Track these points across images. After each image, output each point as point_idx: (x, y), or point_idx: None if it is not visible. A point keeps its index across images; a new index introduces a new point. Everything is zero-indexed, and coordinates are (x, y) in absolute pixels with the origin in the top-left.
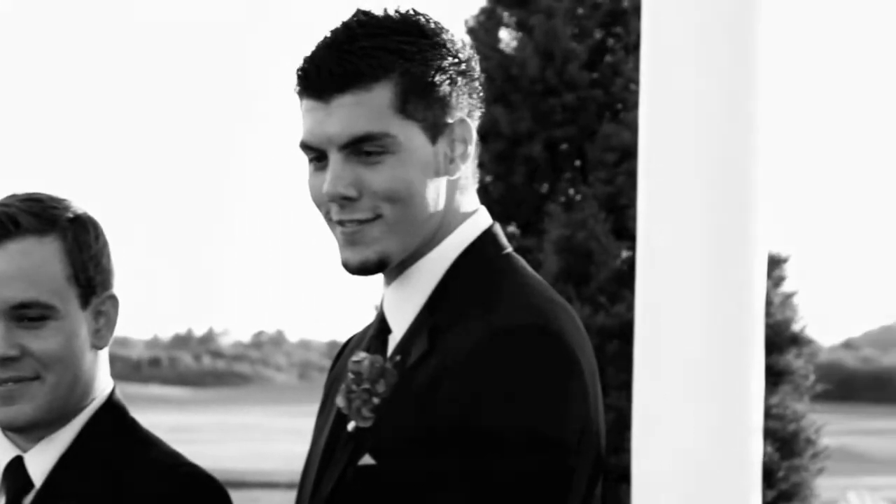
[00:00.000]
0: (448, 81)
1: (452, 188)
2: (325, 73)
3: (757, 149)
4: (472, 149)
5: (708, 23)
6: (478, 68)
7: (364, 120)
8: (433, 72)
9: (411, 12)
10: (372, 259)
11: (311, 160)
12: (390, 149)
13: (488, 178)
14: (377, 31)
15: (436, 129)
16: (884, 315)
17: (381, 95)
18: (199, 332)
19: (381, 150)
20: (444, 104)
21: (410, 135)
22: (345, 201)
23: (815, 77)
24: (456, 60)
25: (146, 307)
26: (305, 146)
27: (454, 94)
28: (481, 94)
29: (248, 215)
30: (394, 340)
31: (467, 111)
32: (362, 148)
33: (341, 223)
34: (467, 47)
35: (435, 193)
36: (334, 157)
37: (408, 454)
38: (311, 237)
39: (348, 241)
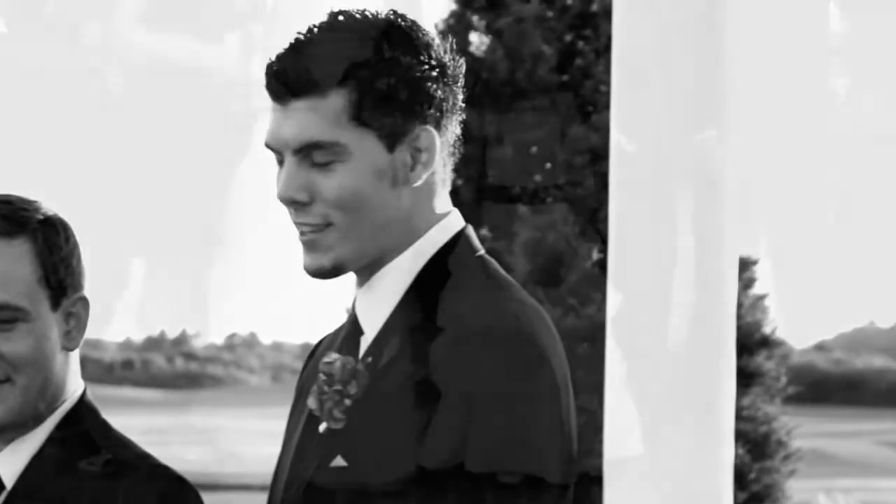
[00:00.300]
0: (412, 89)
1: (418, 193)
2: (282, 77)
3: (728, 150)
4: (437, 156)
5: (678, 24)
6: (458, 73)
7: (316, 127)
8: (395, 79)
9: (387, 14)
10: (326, 266)
11: (277, 161)
12: (340, 157)
13: (459, 181)
14: (340, 36)
15: (394, 138)
16: (857, 317)
17: (336, 102)
18: (171, 334)
19: (331, 158)
20: (405, 112)
21: (364, 143)
22: (297, 205)
23: (786, 78)
24: (426, 66)
25: (118, 309)
26: (267, 147)
27: (418, 102)
28: (460, 98)
29: (223, 218)
30: (366, 342)
31: (437, 118)
32: (313, 155)
33: (299, 226)
34: (447, 52)
35: (392, 201)
36: (289, 160)
37: (378, 457)
38: (284, 239)
39: (306, 247)
